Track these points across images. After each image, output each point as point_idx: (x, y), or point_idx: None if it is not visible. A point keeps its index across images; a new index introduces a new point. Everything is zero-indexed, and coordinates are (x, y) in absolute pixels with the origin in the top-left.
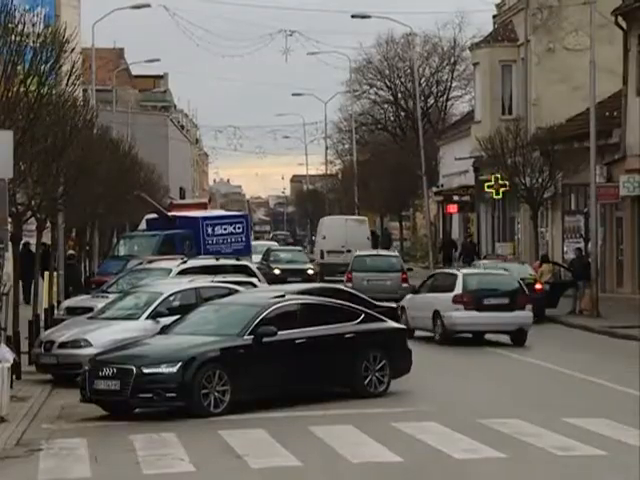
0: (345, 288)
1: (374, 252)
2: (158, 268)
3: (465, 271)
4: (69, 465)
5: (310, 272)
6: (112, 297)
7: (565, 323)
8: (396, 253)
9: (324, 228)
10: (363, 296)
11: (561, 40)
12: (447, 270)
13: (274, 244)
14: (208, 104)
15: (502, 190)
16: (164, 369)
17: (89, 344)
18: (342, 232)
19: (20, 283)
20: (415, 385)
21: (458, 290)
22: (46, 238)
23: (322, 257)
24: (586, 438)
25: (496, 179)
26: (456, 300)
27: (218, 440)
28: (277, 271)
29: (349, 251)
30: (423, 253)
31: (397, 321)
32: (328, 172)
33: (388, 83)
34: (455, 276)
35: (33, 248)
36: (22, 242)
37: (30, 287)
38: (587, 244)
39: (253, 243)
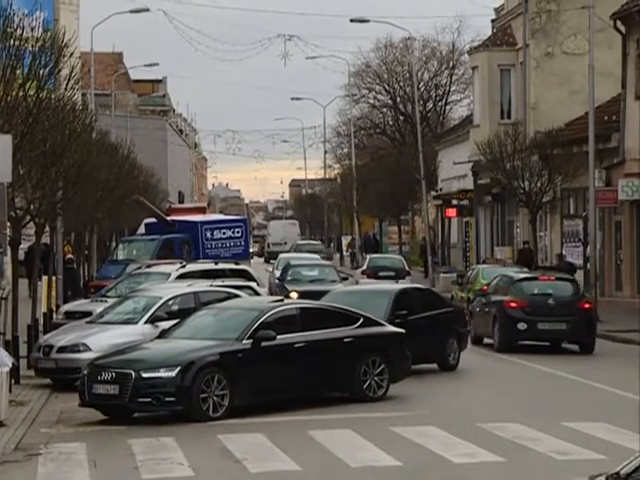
0: (431, 289)
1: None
2: (157, 272)
3: (371, 255)
4: (68, 470)
5: None
6: (111, 301)
7: None
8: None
9: (270, 228)
10: (442, 295)
11: (560, 44)
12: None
13: (298, 255)
14: (207, 108)
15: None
16: (163, 373)
17: (88, 348)
18: (282, 231)
19: (27, 283)
20: (414, 389)
21: (364, 267)
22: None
23: (269, 247)
24: (585, 442)
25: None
26: (363, 272)
27: (217, 444)
28: (294, 294)
29: (285, 243)
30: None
31: (464, 320)
32: (327, 176)
33: (387, 87)
34: (365, 258)
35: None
36: (28, 245)
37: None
38: (586, 248)
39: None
